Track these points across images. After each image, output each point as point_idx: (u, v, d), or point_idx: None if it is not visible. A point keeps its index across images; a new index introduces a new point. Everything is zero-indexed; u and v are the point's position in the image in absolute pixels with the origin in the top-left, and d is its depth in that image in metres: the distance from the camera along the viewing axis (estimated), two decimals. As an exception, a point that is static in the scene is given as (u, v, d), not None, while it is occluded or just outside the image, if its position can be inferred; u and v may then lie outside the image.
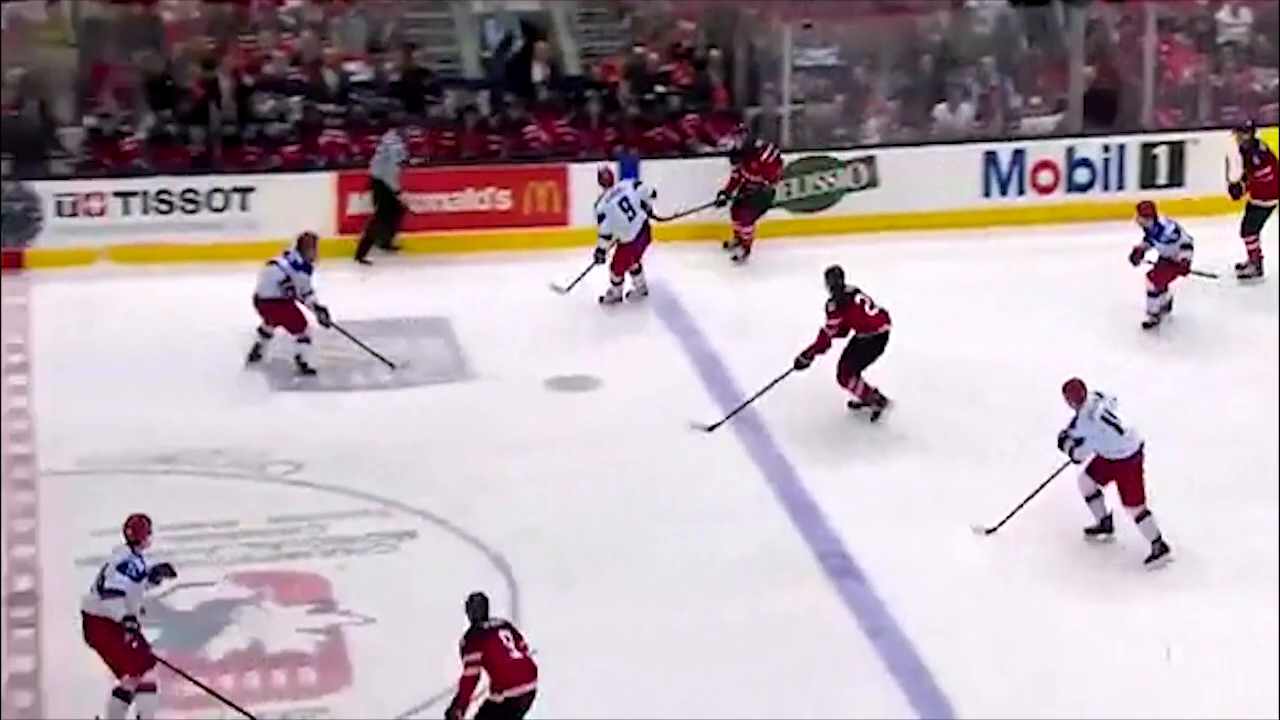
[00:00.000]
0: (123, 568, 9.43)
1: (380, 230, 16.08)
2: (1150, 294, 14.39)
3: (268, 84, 16.82)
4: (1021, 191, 16.91)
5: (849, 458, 12.39)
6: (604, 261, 14.91)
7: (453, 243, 16.08)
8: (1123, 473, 11.04)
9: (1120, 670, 10.01)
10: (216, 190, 15.92)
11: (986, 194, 16.85)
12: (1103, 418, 11.02)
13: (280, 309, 13.64)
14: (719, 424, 12.75)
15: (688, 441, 12.57)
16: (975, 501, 11.43)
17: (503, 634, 9.34)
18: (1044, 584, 10.89)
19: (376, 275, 15.65)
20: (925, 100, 17.64)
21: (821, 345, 12.68)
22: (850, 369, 12.86)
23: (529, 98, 17.10)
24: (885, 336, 12.82)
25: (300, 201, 15.95)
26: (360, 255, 15.98)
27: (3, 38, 16.64)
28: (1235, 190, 15.52)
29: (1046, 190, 16.96)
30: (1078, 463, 11.09)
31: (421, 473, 12.01)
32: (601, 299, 14.91)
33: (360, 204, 16.19)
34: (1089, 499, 11.24)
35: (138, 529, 9.64)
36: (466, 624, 10.14)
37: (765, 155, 16.05)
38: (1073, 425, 11.02)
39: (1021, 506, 11.15)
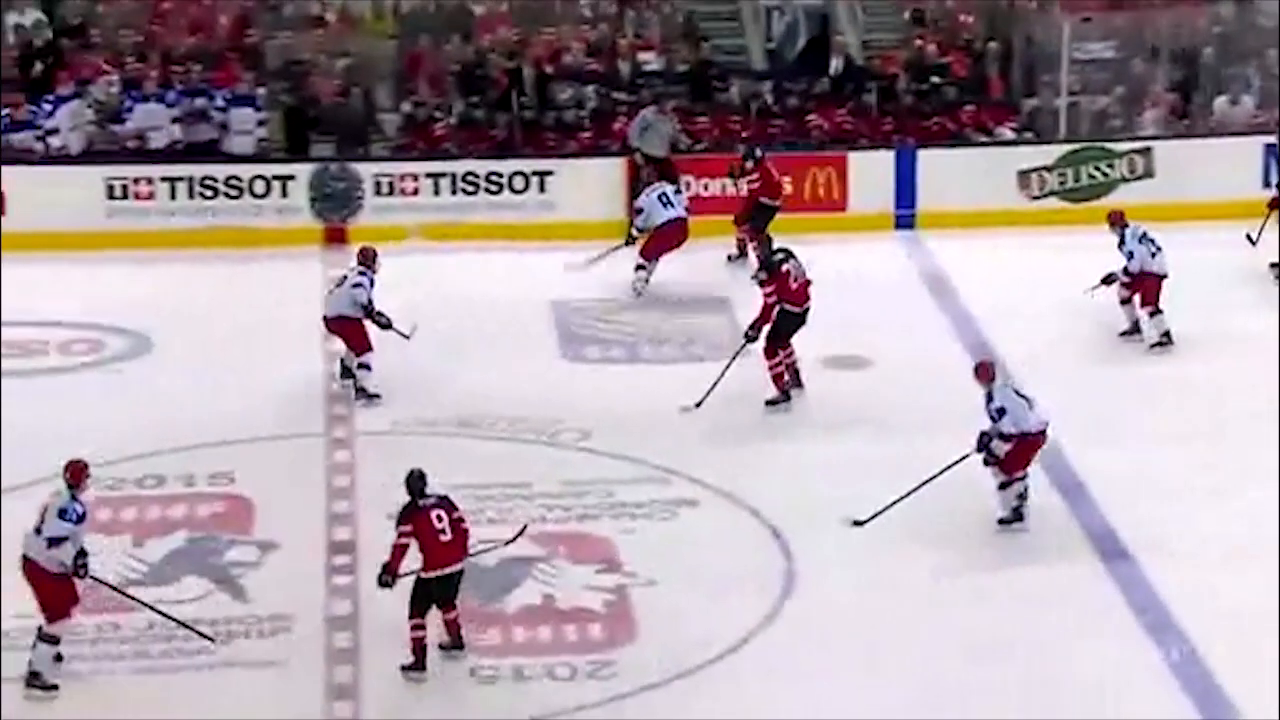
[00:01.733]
0: (63, 513, 9.35)
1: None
2: (1123, 302, 13.76)
3: (566, 73, 17.19)
4: (1303, 183, 16.35)
5: (1120, 439, 12.10)
6: (632, 244, 15.03)
7: (734, 227, 16.22)
8: (1027, 445, 10.86)
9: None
10: (518, 173, 16.31)
11: (1266, 185, 16.27)
12: (1015, 391, 10.93)
13: (352, 327, 12.81)
14: (701, 401, 12.55)
15: (959, 418, 12.45)
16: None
17: (435, 512, 9.45)
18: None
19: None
20: (1205, 92, 17.11)
21: (765, 316, 12.55)
22: (773, 343, 12.64)
23: (811, 88, 17.12)
24: (805, 312, 12.65)
25: (594, 184, 16.28)
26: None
27: (331, 29, 17.34)
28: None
29: (1327, 182, 16.35)
30: (1005, 438, 10.78)
31: (703, 444, 12.15)
32: (634, 286, 14.85)
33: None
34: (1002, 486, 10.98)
35: (76, 474, 9.55)
36: (744, 589, 10.37)
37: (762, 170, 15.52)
38: (989, 399, 10.92)
39: (911, 493, 10.93)
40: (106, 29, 17.07)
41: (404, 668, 9.57)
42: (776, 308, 12.63)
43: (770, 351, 12.74)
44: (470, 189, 16.27)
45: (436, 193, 16.24)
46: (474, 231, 16.02)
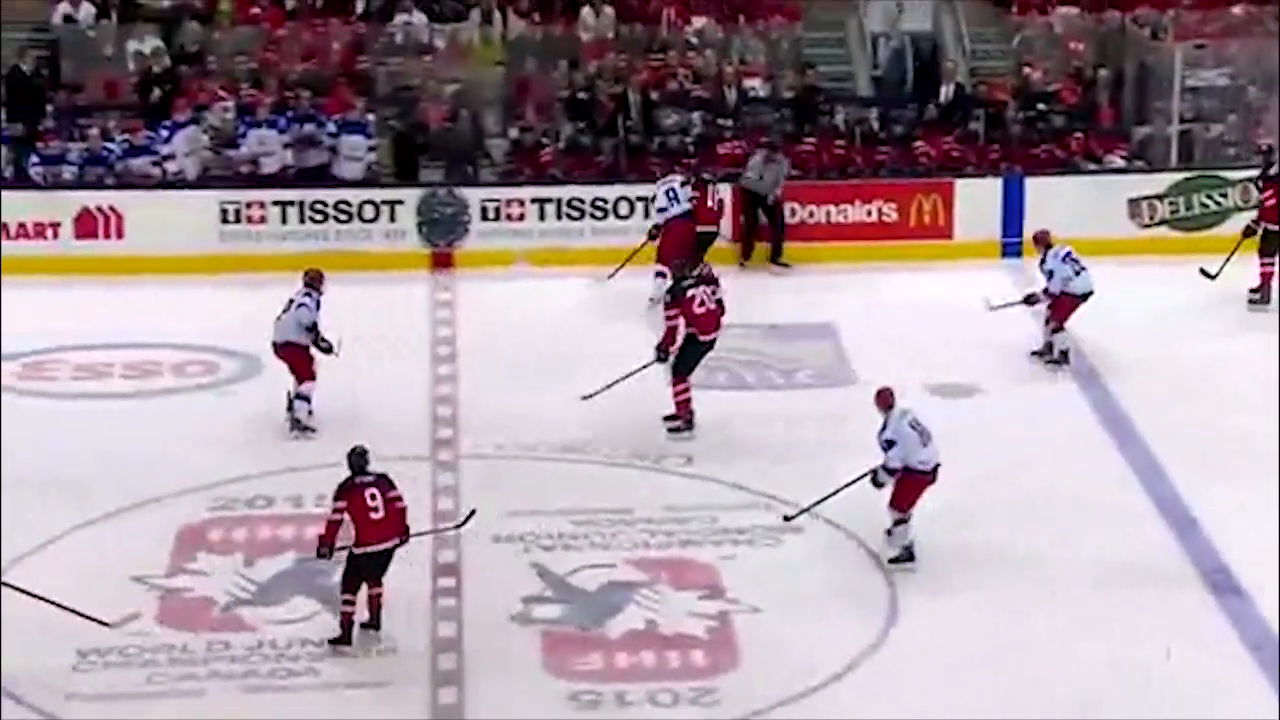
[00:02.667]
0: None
1: (771, 245, 16.16)
2: (1047, 321, 13.82)
3: (672, 99, 17.22)
4: None
5: (1237, 475, 11.91)
6: (655, 238, 15.07)
7: (840, 253, 16.19)
8: (912, 483, 10.67)
9: None
10: (623, 198, 16.36)
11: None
12: (910, 423, 10.75)
13: (297, 354, 12.63)
14: (596, 393, 12.69)
15: (1066, 448, 12.36)
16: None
17: (370, 491, 9.81)
18: None
19: (767, 282, 15.82)
20: (1322, 121, 16.84)
21: (669, 337, 12.61)
22: (678, 368, 12.66)
23: (919, 115, 17.05)
24: (709, 343, 12.66)
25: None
26: (744, 259, 16.12)
27: (440, 55, 17.51)
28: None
29: None
30: (886, 471, 10.72)
31: (806, 470, 12.09)
32: (651, 300, 14.69)
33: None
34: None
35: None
36: (848, 616, 10.32)
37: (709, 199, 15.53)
38: (882, 429, 10.81)
39: (823, 500, 11.01)
40: (222, 56, 17.34)
41: (330, 641, 9.89)
42: (681, 332, 12.66)
43: (677, 377, 12.76)
44: (576, 214, 16.33)
45: (542, 218, 16.32)
46: (579, 257, 16.09)
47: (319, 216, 16.13)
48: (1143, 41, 17.56)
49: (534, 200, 16.34)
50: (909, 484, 10.85)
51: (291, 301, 12.77)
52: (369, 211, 16.28)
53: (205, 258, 15.81)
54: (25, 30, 17.65)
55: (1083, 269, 13.80)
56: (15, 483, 11.65)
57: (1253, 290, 15.00)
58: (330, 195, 16.21)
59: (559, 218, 16.30)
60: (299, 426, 12.63)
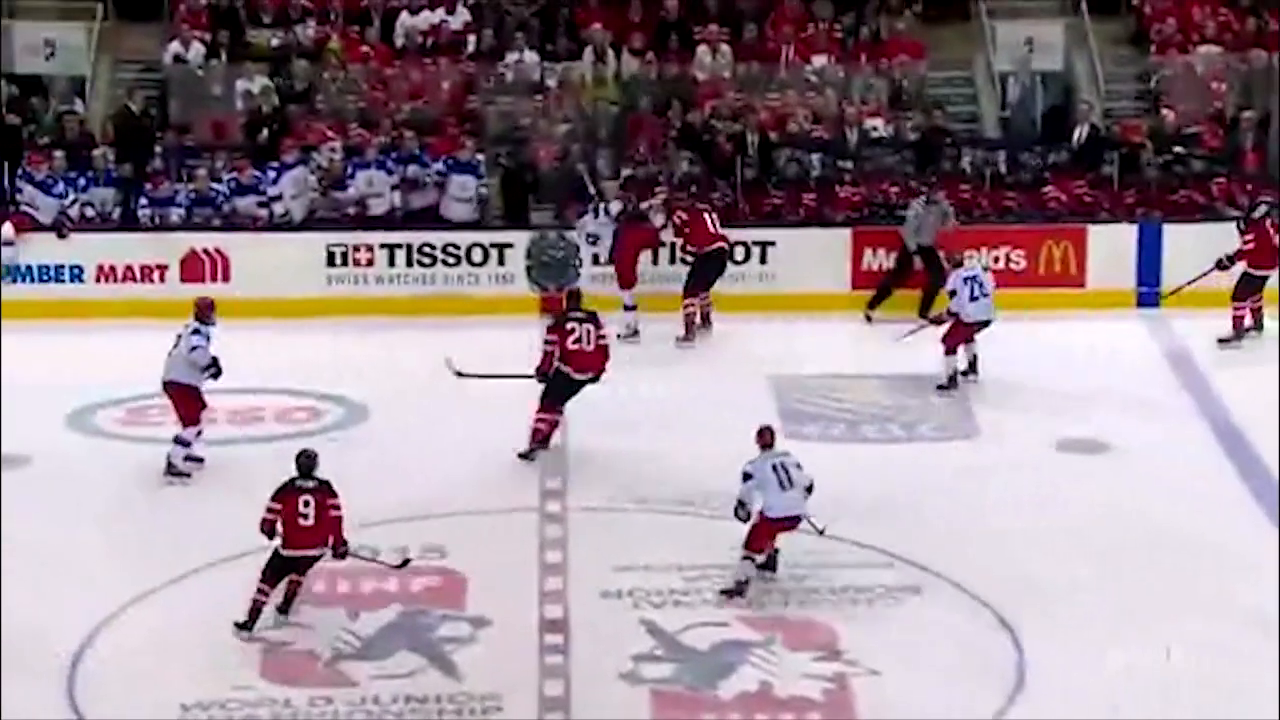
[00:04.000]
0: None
1: (923, 295, 16.07)
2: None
3: (791, 140, 17.31)
4: None
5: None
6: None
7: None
8: (764, 526, 11.15)
9: None
10: (738, 243, 16.44)
11: None
12: (774, 466, 11.11)
13: (184, 394, 12.53)
14: (462, 372, 13.32)
15: (1205, 508, 12.23)
16: None
17: (304, 497, 10.61)
18: None
19: (887, 329, 15.81)
20: None
21: (543, 363, 13.00)
22: (545, 398, 13.04)
23: (1047, 157, 16.98)
24: (582, 382, 12.97)
25: (816, 255, 16.39)
26: (871, 306, 16.14)
27: (551, 94, 17.73)
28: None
29: None
30: (742, 507, 11.12)
31: (929, 528, 12.08)
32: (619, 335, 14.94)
33: (874, 259, 16.47)
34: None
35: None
36: (972, 682, 10.27)
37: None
38: (750, 463, 11.15)
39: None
40: (331, 95, 17.69)
41: (236, 624, 10.55)
42: (553, 362, 13.01)
43: (542, 405, 13.08)
44: (690, 259, 16.43)
45: (655, 262, 16.45)
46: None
47: (427, 259, 16.38)
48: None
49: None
50: (760, 527, 11.23)
51: (180, 337, 12.70)
52: (477, 254, 16.51)
53: (311, 301, 16.12)
54: (135, 70, 18.17)
55: (984, 295, 14.26)
56: (116, 529, 11.93)
57: (1221, 340, 15.09)
58: (438, 238, 16.47)
59: (671, 262, 16.43)
60: (173, 471, 12.59)
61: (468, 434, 13.52)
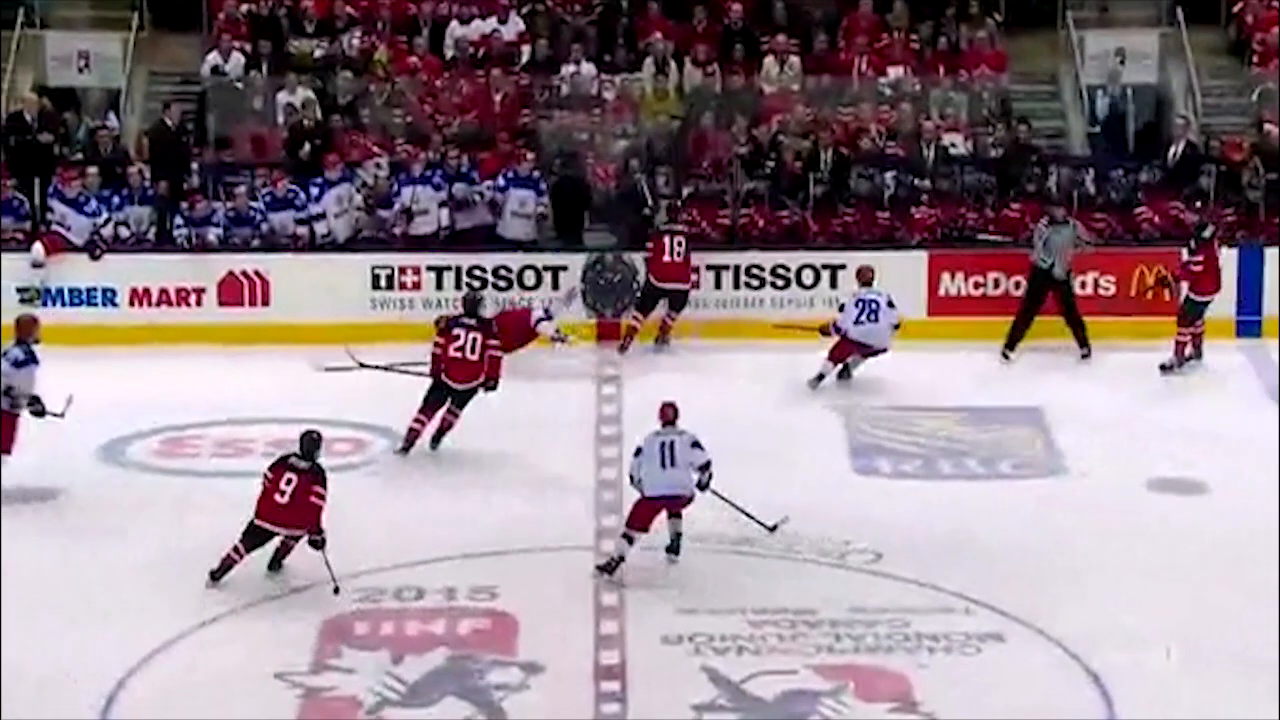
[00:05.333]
0: None
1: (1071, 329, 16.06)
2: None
3: (864, 157, 17.30)
4: None
5: None
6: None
7: (1049, 329, 16.13)
8: (645, 505, 11.82)
9: None
10: (806, 266, 16.47)
11: None
12: (662, 443, 11.75)
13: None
14: (380, 367, 14.49)
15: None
16: None
17: (288, 474, 11.53)
18: None
19: (963, 359, 15.77)
20: None
21: (432, 367, 13.91)
22: (426, 400, 13.83)
23: (1139, 176, 16.91)
24: (459, 392, 13.78)
25: (889, 280, 16.25)
26: (1009, 347, 16.02)
27: (610, 109, 17.80)
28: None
29: None
30: (634, 482, 11.89)
31: (1009, 571, 12.01)
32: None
33: (952, 284, 16.45)
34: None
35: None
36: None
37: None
38: (645, 438, 11.91)
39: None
40: (376, 108, 17.80)
41: (210, 572, 11.55)
42: (438, 366, 13.80)
43: (421, 409, 13.85)
44: (754, 283, 16.46)
45: (718, 286, 16.49)
46: (757, 329, 16.20)
47: (477, 283, 16.42)
48: None
49: (708, 267, 16.53)
50: (639, 505, 11.92)
51: None
52: (530, 278, 16.58)
53: (355, 325, 16.17)
54: (172, 82, 18.35)
55: (873, 322, 14.99)
56: (150, 565, 12.03)
57: (1163, 366, 15.20)
58: (489, 260, 16.54)
59: (735, 286, 16.47)
60: None
61: (519, 468, 13.57)
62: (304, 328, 16.12)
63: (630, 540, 11.86)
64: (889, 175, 17.05)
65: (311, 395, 14.87)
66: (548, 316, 15.57)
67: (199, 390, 15.19)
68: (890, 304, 15.23)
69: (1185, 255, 15.51)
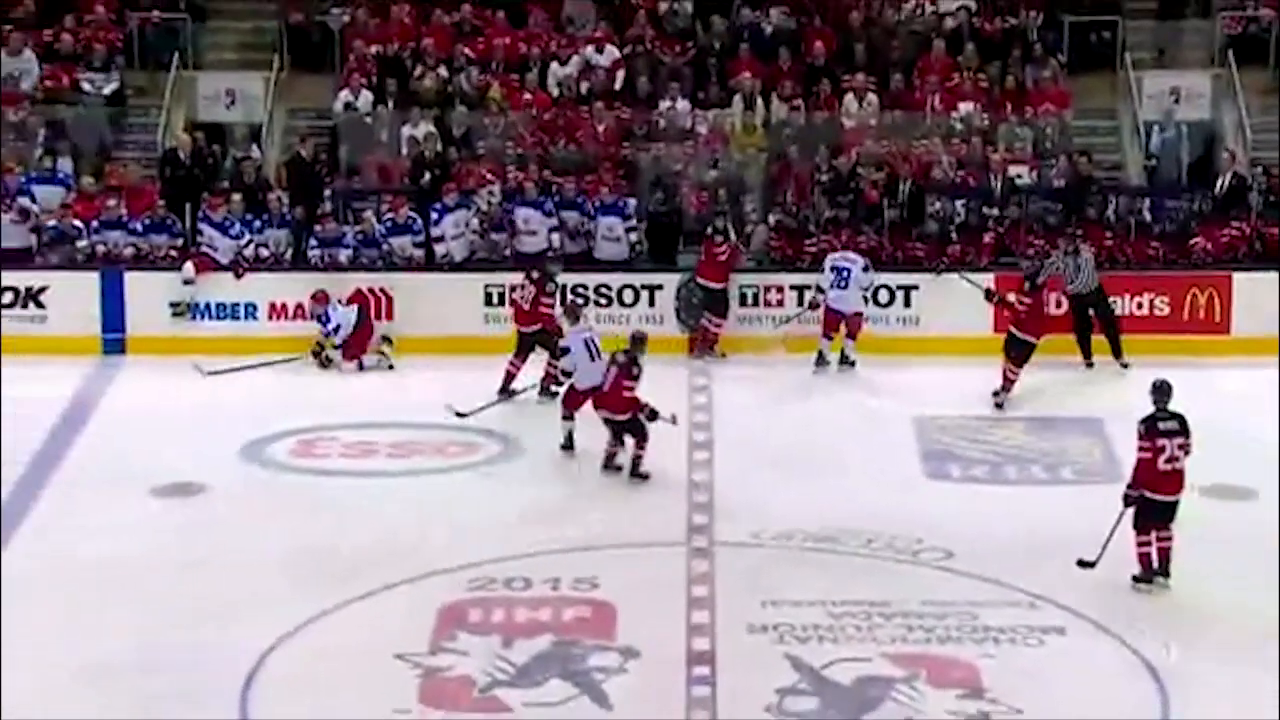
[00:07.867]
0: None
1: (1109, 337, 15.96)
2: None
3: (936, 186, 17.21)
4: None
5: None
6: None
7: (1109, 346, 15.92)
8: (576, 393, 13.52)
9: None
10: (882, 287, 16.39)
11: None
12: (585, 340, 13.47)
13: None
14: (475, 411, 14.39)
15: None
16: None
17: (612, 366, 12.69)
18: None
19: (1028, 372, 15.62)
20: None
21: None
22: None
23: (1193, 205, 16.70)
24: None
25: (959, 301, 16.21)
26: (1088, 359, 15.94)
27: (701, 141, 17.81)
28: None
29: None
30: (565, 375, 13.66)
31: (1072, 570, 11.86)
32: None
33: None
34: None
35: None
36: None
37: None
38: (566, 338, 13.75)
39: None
40: (490, 140, 17.92)
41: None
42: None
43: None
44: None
45: (800, 303, 16.42)
46: (837, 345, 16.12)
47: (579, 300, 16.44)
48: None
49: (793, 287, 16.47)
50: (570, 393, 13.48)
51: None
52: (628, 295, 16.60)
53: (470, 339, 16.26)
54: (308, 117, 18.58)
55: (844, 288, 15.40)
56: (284, 559, 12.12)
57: (995, 393, 14.91)
58: (590, 279, 16.57)
59: (816, 305, 16.35)
60: None
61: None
62: (423, 340, 16.21)
63: (569, 421, 13.62)
64: (959, 203, 16.95)
65: (429, 401, 14.94)
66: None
67: (330, 396, 15.33)
68: (866, 269, 15.47)
69: (1013, 296, 15.13)
